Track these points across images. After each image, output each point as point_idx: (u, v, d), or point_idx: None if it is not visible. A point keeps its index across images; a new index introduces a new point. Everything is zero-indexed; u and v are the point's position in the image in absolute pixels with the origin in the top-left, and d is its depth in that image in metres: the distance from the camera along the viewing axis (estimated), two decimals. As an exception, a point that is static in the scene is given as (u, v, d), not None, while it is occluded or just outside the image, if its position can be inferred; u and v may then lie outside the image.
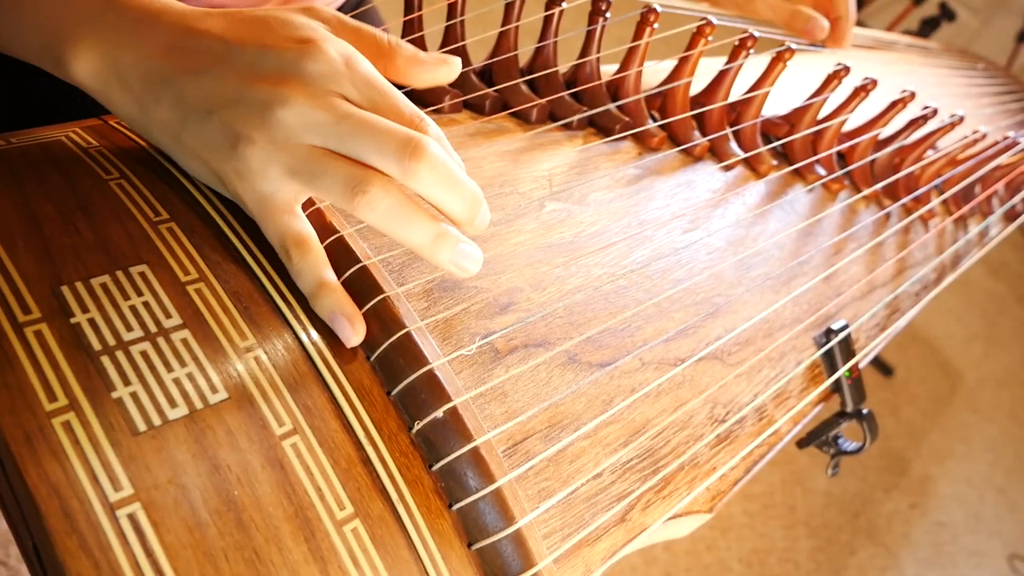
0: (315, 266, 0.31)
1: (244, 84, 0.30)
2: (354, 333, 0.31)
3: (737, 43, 0.55)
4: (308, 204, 0.34)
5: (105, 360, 0.27)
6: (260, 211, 0.31)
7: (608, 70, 0.55)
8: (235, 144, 0.30)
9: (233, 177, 0.31)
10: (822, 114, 0.61)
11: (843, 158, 0.65)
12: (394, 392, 0.31)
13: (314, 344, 0.31)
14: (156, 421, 0.26)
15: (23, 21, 0.32)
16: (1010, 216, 0.83)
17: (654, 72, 0.59)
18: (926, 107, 0.65)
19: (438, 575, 0.29)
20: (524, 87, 0.51)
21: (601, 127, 0.52)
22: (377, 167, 0.30)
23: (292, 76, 0.30)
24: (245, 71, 0.30)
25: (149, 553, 0.24)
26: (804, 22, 0.62)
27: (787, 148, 0.60)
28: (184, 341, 0.28)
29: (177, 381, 0.27)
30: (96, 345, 0.27)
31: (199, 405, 0.27)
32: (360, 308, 0.32)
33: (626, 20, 0.55)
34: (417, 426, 0.31)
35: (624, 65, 0.53)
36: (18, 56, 0.33)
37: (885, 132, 0.66)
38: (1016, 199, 0.83)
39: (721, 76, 0.56)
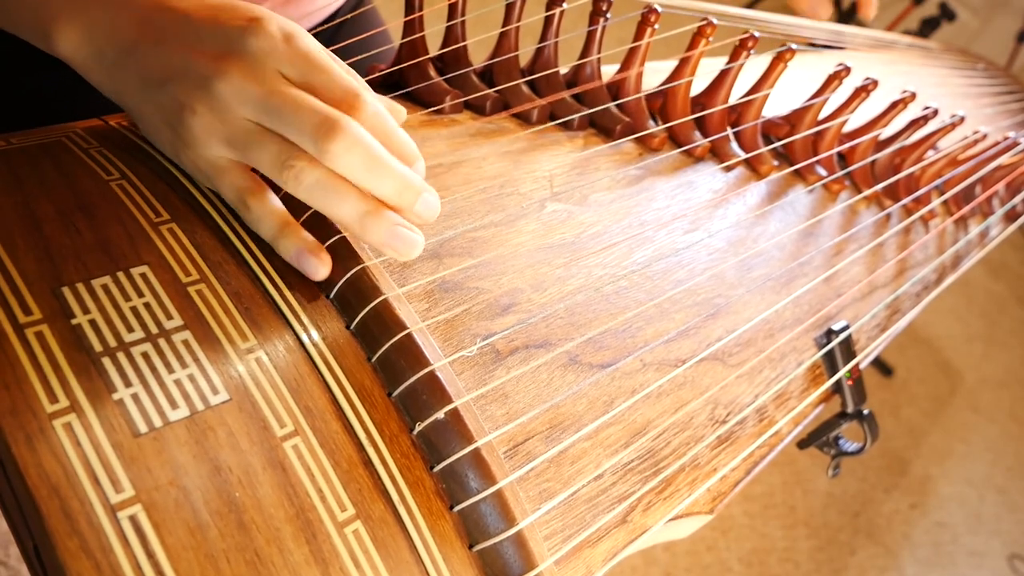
0: (273, 211, 0.32)
1: (191, 57, 0.31)
2: (321, 265, 0.32)
3: (738, 43, 0.55)
4: (304, 208, 0.34)
5: (106, 361, 0.27)
6: (212, 175, 0.33)
7: (609, 70, 0.55)
8: (180, 113, 0.31)
9: (181, 146, 0.33)
10: (823, 115, 0.61)
11: (844, 159, 0.65)
12: (395, 393, 0.31)
13: (315, 345, 0.31)
14: (157, 422, 0.26)
15: (15, 1, 0.34)
16: (1010, 216, 0.83)
17: (655, 72, 0.59)
18: (927, 107, 0.64)
19: (439, 576, 0.29)
20: (525, 87, 0.51)
21: (602, 127, 0.52)
22: (298, 145, 0.31)
23: (233, 51, 0.31)
24: (195, 45, 0.32)
25: (150, 555, 0.24)
26: (808, 0, 0.63)
27: (788, 149, 0.60)
28: (185, 342, 0.28)
29: (178, 382, 0.27)
30: (97, 346, 0.27)
31: (200, 406, 0.27)
32: (361, 310, 0.32)
33: (627, 20, 0.55)
34: (418, 427, 0.31)
35: (625, 65, 0.53)
36: (11, 31, 0.35)
37: (886, 133, 0.66)
38: (1016, 199, 0.83)
39: (722, 76, 0.56)
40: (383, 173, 0.31)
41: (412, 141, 0.34)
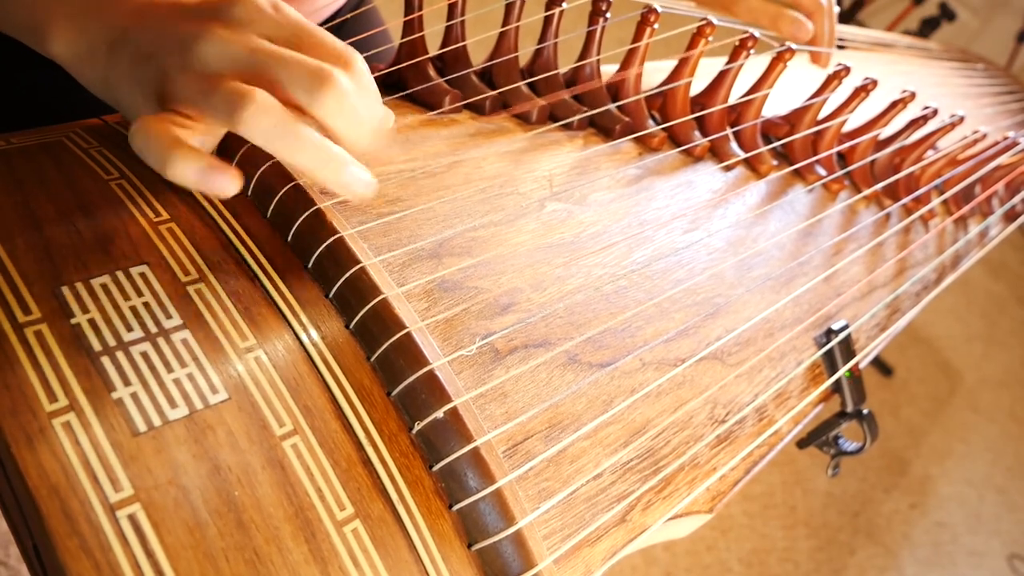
0: (174, 133, 0.30)
1: (177, 27, 0.32)
2: (235, 178, 0.29)
3: (737, 43, 0.55)
4: (307, 203, 0.34)
5: (105, 360, 0.27)
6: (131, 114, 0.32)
7: (608, 71, 0.55)
8: (162, 81, 0.31)
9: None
10: (822, 114, 0.61)
11: (843, 158, 0.65)
12: (394, 393, 0.31)
13: (314, 345, 0.31)
14: (156, 422, 0.26)
15: (10, 2, 0.34)
16: (1010, 216, 0.83)
17: (654, 72, 0.59)
18: (926, 107, 0.65)
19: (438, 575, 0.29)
20: (525, 88, 0.51)
21: (601, 127, 0.52)
22: (289, 97, 0.30)
23: (218, 16, 0.31)
24: (181, 15, 0.32)
25: (150, 554, 0.24)
26: (789, 24, 0.62)
27: (787, 148, 0.60)
28: (184, 341, 0.28)
29: (177, 382, 0.27)
30: (96, 346, 0.27)
31: (199, 406, 0.27)
32: (360, 309, 0.32)
33: (626, 21, 0.55)
34: (417, 427, 0.31)
35: (624, 66, 0.53)
36: (6, 32, 0.35)
37: (885, 132, 0.66)
38: (1016, 199, 0.83)
39: (721, 76, 0.56)
40: (366, 124, 0.31)
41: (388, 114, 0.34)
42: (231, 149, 0.35)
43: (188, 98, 0.30)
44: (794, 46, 0.56)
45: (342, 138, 0.31)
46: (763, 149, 0.57)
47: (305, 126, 0.30)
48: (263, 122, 0.29)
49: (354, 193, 0.31)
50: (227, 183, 0.29)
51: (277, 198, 0.35)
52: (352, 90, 0.30)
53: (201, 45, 0.30)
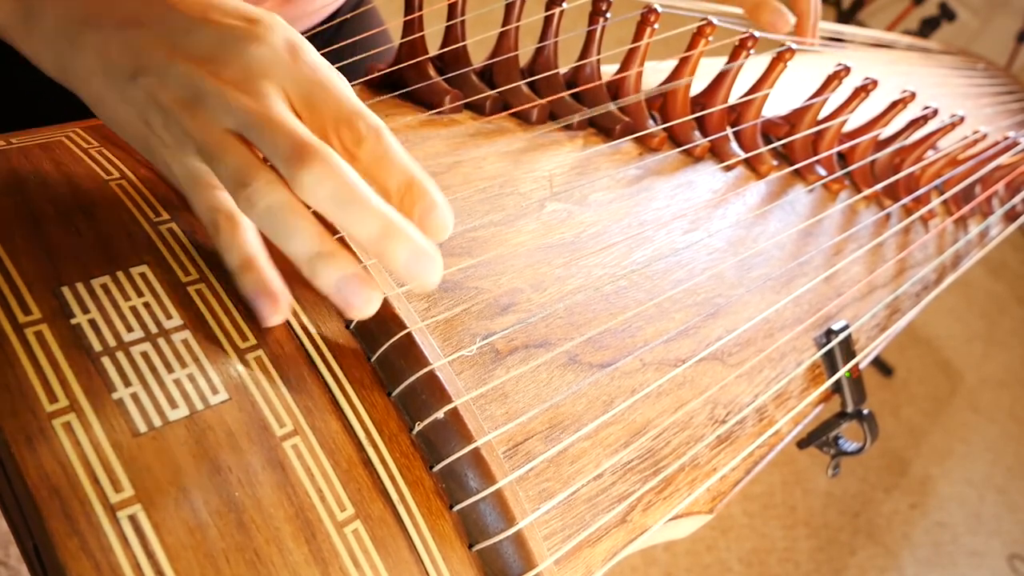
0: (244, 243, 0.29)
1: (175, 56, 0.28)
2: (275, 312, 0.29)
3: (737, 43, 0.55)
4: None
5: (106, 361, 0.27)
6: (187, 185, 0.30)
7: (608, 70, 0.55)
8: (157, 113, 0.29)
9: (156, 145, 0.30)
10: (822, 114, 0.61)
11: (843, 158, 0.65)
12: (395, 393, 0.31)
13: (315, 345, 0.31)
14: (157, 422, 0.26)
15: None
16: (1010, 216, 0.83)
17: (654, 72, 0.59)
18: (926, 107, 0.64)
19: (439, 576, 0.29)
20: (525, 87, 0.51)
21: (601, 127, 0.52)
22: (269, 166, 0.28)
23: (229, 56, 0.28)
24: (180, 41, 0.29)
25: (150, 554, 0.24)
26: (770, 14, 0.61)
27: (787, 148, 0.60)
28: (185, 342, 0.28)
29: (178, 382, 0.27)
30: (97, 346, 0.27)
31: (200, 406, 0.27)
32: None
33: (626, 20, 0.55)
34: (418, 427, 0.31)
35: (624, 65, 0.53)
36: None
37: (885, 132, 0.66)
38: (1016, 199, 0.83)
39: (721, 76, 0.56)
40: (359, 212, 0.27)
41: (427, 181, 0.29)
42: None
43: (201, 150, 0.28)
44: (794, 46, 0.56)
45: (345, 232, 0.28)
46: (763, 149, 0.57)
47: (308, 218, 0.27)
48: (260, 202, 0.27)
49: (350, 307, 0.28)
50: (269, 315, 0.29)
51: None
52: (337, 167, 0.27)
53: (209, 95, 0.28)
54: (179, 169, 0.30)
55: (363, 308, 0.28)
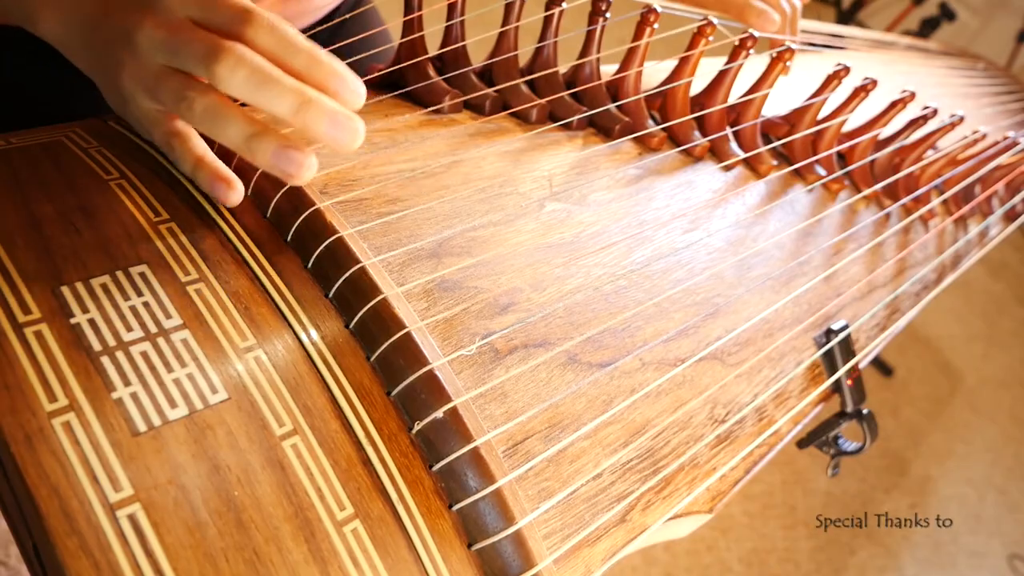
0: (193, 148, 0.34)
1: (123, 17, 0.33)
2: (231, 191, 0.33)
3: (737, 43, 0.55)
4: (307, 203, 0.34)
5: (105, 360, 0.27)
6: (147, 125, 0.34)
7: (608, 70, 0.55)
8: (117, 69, 0.33)
9: (122, 102, 0.34)
10: (822, 114, 0.61)
11: (843, 158, 0.65)
12: (394, 392, 0.31)
13: (314, 344, 0.31)
14: (156, 421, 0.26)
15: None
16: (1010, 216, 0.83)
17: (654, 72, 0.59)
18: (926, 107, 0.64)
19: (438, 575, 0.29)
20: (524, 87, 0.51)
21: (601, 127, 0.52)
22: (200, 78, 0.31)
23: (148, 3, 0.33)
24: (127, 6, 0.33)
25: (149, 553, 0.24)
26: (756, 15, 0.62)
27: (787, 148, 0.60)
28: (184, 341, 0.28)
29: (177, 381, 0.27)
30: (96, 345, 0.27)
31: (199, 405, 0.27)
32: (360, 309, 0.32)
33: (626, 20, 0.55)
34: (417, 426, 0.31)
35: (624, 65, 0.53)
36: (2, 19, 0.37)
37: (885, 132, 0.66)
38: (1016, 199, 0.83)
39: (721, 76, 0.56)
40: (273, 89, 0.30)
41: (330, 57, 0.32)
42: (231, 153, 0.35)
43: (147, 90, 0.32)
44: (794, 46, 0.56)
45: (266, 111, 0.31)
46: (763, 149, 0.57)
47: (235, 108, 0.31)
48: (198, 108, 0.31)
49: (286, 175, 0.31)
50: (228, 194, 0.33)
51: (277, 198, 0.35)
52: (244, 55, 0.30)
53: (136, 36, 0.32)
54: (140, 114, 0.34)
55: (300, 173, 0.31)
